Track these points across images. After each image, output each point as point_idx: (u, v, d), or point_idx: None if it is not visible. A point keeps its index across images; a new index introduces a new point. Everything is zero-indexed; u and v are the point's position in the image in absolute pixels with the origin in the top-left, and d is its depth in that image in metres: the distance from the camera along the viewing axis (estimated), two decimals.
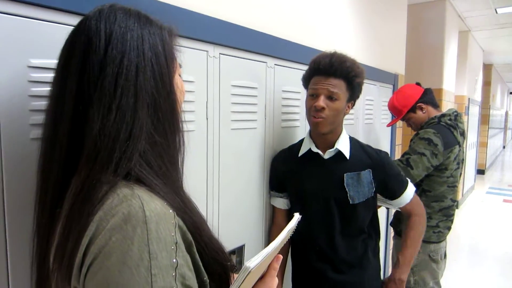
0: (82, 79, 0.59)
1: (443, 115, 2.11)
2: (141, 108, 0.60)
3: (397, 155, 3.16)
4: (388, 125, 2.52)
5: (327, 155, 1.45)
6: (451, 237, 2.66)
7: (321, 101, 1.34)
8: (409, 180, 1.57)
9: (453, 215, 2.15)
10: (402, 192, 1.52)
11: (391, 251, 2.37)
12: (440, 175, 2.04)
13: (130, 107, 0.59)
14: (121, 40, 0.60)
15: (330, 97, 1.35)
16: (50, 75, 0.81)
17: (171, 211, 0.57)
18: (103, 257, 0.51)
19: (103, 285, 0.50)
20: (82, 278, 0.53)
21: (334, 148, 1.43)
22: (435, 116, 2.12)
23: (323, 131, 1.39)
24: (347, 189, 1.42)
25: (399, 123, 3.13)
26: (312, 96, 1.39)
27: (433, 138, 1.98)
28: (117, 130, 0.58)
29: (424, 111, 2.17)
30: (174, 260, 0.54)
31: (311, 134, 1.49)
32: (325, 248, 1.46)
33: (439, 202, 2.07)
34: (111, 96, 0.58)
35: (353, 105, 1.47)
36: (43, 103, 0.81)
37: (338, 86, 1.36)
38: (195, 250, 0.61)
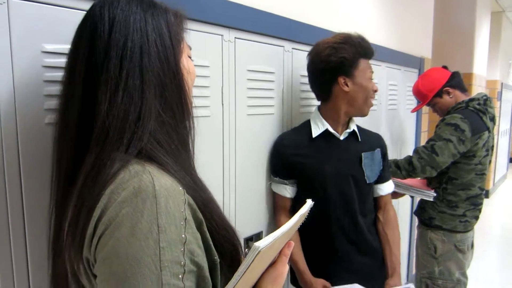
0: (89, 63, 0.61)
1: (472, 100, 2.01)
2: (148, 88, 0.61)
3: (423, 142, 3.07)
4: (412, 111, 2.43)
5: (343, 135, 1.44)
6: (480, 227, 2.57)
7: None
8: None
9: (481, 204, 2.07)
10: (388, 180, 1.56)
11: (415, 241, 2.32)
12: (468, 162, 1.96)
13: (136, 88, 0.61)
14: (124, 24, 0.62)
15: None
16: (63, 60, 0.82)
17: (180, 188, 0.58)
18: (113, 228, 0.53)
19: (113, 254, 0.52)
20: (93, 248, 0.54)
21: (351, 129, 1.44)
22: (463, 101, 2.03)
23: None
24: (364, 169, 1.43)
25: (425, 109, 3.03)
26: (371, 79, 1.41)
27: (460, 124, 1.90)
28: (125, 111, 0.59)
29: (451, 96, 2.08)
30: (183, 236, 0.55)
31: (327, 115, 1.43)
32: (348, 230, 1.45)
33: (466, 190, 2.00)
34: (117, 78, 0.60)
35: None
36: (57, 88, 0.82)
37: None
38: (205, 229, 0.61)
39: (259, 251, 0.56)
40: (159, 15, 0.65)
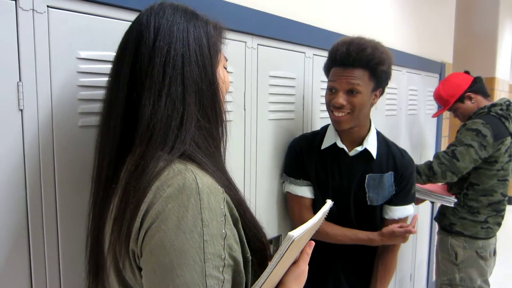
0: (134, 68, 0.65)
1: (494, 105, 1.99)
2: (189, 96, 0.65)
3: (443, 148, 3.03)
4: (433, 116, 2.42)
5: (353, 152, 1.34)
6: (503, 233, 2.52)
7: (340, 98, 1.23)
8: (413, 201, 1.44)
9: (503, 210, 2.04)
10: (403, 204, 1.39)
11: (435, 247, 2.29)
12: (490, 168, 1.93)
13: (178, 95, 0.64)
14: (168, 33, 0.65)
15: (351, 91, 1.23)
16: (96, 66, 0.87)
17: (219, 187, 0.62)
18: (160, 222, 0.56)
19: (160, 246, 0.55)
20: (140, 240, 0.58)
21: (363, 147, 1.33)
22: (485, 106, 2.00)
23: (345, 128, 1.30)
24: (366, 190, 1.34)
25: (446, 114, 3.00)
26: (331, 91, 1.28)
27: (482, 129, 1.88)
28: (168, 116, 0.63)
29: (473, 101, 2.05)
30: (223, 231, 0.58)
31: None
32: (337, 247, 1.38)
33: (488, 196, 1.97)
34: (160, 84, 0.64)
35: (382, 93, 1.34)
36: (90, 93, 0.87)
37: (358, 77, 1.22)
38: (240, 226, 0.65)
39: (293, 240, 0.59)
40: (200, 27, 0.69)
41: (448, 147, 1.96)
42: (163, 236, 0.55)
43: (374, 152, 1.35)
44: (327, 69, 1.33)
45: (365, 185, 1.34)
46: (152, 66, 0.64)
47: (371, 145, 1.35)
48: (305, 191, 1.41)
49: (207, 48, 0.69)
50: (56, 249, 0.84)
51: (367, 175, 1.34)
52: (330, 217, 1.34)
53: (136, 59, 0.65)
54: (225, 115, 0.73)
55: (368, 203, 1.35)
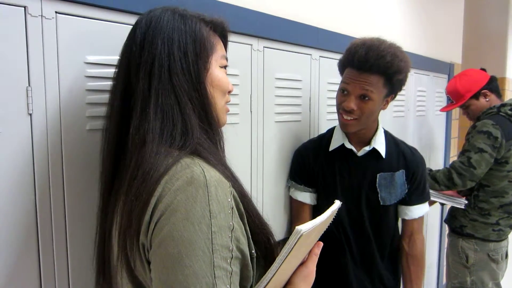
0: (129, 77, 0.69)
1: (503, 105, 1.96)
2: (183, 105, 0.67)
3: (452, 149, 3.00)
4: (442, 110, 2.34)
5: (361, 152, 1.34)
6: None
7: (351, 102, 1.22)
8: (429, 198, 1.44)
9: None
10: (418, 203, 1.38)
11: (445, 250, 2.26)
12: (500, 169, 1.91)
13: (172, 105, 0.67)
14: (151, 45, 0.68)
15: (363, 96, 1.21)
16: (104, 71, 0.88)
17: (226, 181, 0.63)
18: (169, 214, 0.57)
19: (169, 237, 0.56)
20: (150, 233, 0.58)
21: (371, 147, 1.32)
22: (494, 106, 1.98)
23: (351, 131, 1.29)
24: (378, 190, 1.33)
25: (455, 115, 2.97)
26: (343, 92, 1.26)
27: (493, 131, 1.85)
28: (161, 128, 0.66)
29: (487, 99, 2.02)
30: (231, 223, 0.59)
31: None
32: (359, 256, 1.37)
33: (499, 197, 1.94)
34: (147, 96, 0.67)
35: (393, 98, 1.32)
36: (98, 97, 0.88)
37: (373, 84, 1.20)
38: (246, 221, 0.65)
39: (301, 235, 0.58)
40: (187, 31, 0.70)
41: (462, 153, 1.93)
42: (172, 227, 0.56)
43: (383, 151, 1.34)
44: (342, 67, 1.31)
45: (377, 184, 1.33)
46: (137, 79, 0.67)
47: (379, 144, 1.34)
48: (305, 197, 1.42)
49: (193, 53, 0.70)
50: (65, 251, 0.85)
51: (378, 175, 1.33)
52: (342, 224, 1.34)
53: (128, 68, 0.69)
54: (217, 119, 0.74)
55: (381, 203, 1.34)
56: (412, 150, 1.40)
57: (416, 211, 1.38)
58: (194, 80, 0.69)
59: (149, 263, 0.59)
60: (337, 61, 1.34)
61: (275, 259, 0.61)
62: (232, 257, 0.58)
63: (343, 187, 1.35)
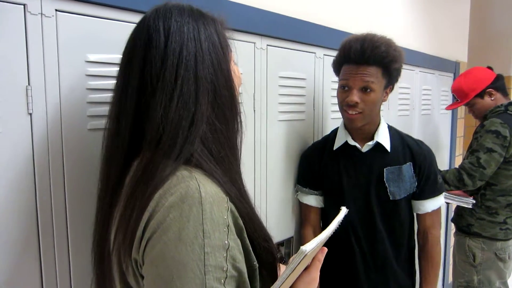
0: (144, 72, 0.63)
1: (511, 103, 1.94)
2: (201, 95, 0.64)
3: (458, 148, 2.97)
4: (447, 108, 2.34)
5: (365, 148, 1.33)
6: None
7: (354, 96, 1.22)
8: (443, 191, 1.42)
9: None
10: (432, 197, 1.36)
11: (451, 249, 2.24)
12: (507, 167, 1.88)
13: (191, 95, 0.63)
14: (178, 33, 0.64)
15: (365, 88, 1.22)
16: (104, 69, 0.87)
17: (224, 195, 0.60)
18: (161, 232, 0.55)
19: (160, 257, 0.54)
20: (142, 250, 0.57)
21: (374, 141, 1.32)
22: (502, 104, 1.96)
23: (358, 126, 1.28)
24: (387, 184, 1.31)
25: (461, 113, 2.94)
26: (344, 89, 1.26)
27: (501, 130, 1.83)
28: (179, 117, 0.61)
29: (492, 98, 2.00)
30: (226, 242, 0.57)
31: (346, 125, 1.37)
32: (370, 253, 1.34)
33: (506, 196, 1.92)
34: (172, 86, 0.62)
35: (392, 90, 1.33)
36: (99, 96, 0.87)
37: (372, 75, 1.21)
38: (245, 235, 0.63)
39: (306, 254, 0.58)
40: (209, 24, 0.68)
41: (471, 153, 1.91)
42: (164, 247, 0.54)
43: (387, 145, 1.33)
44: (338, 66, 1.31)
45: (385, 179, 1.31)
46: (165, 68, 0.62)
47: (382, 138, 1.33)
48: (310, 200, 1.42)
49: (219, 45, 0.68)
50: (66, 252, 0.85)
51: (384, 169, 1.32)
52: (354, 222, 1.32)
53: (146, 63, 0.63)
54: (239, 108, 0.71)
55: (391, 198, 1.32)
56: (418, 143, 1.39)
57: (428, 204, 1.37)
58: (224, 70, 0.67)
59: (142, 277, 0.58)
60: (336, 57, 1.33)
61: (276, 269, 0.60)
62: (226, 277, 0.56)
63: (350, 185, 1.34)
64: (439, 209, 1.40)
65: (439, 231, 1.42)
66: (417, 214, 1.41)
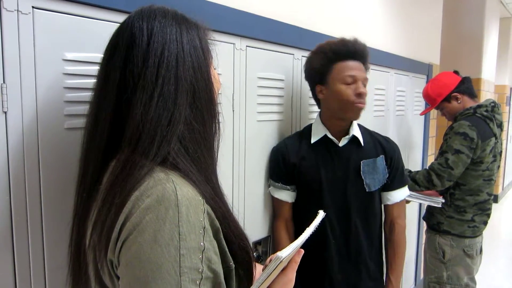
0: (125, 71, 0.64)
1: (479, 106, 2.02)
2: (181, 95, 0.64)
3: (430, 148, 3.07)
4: (421, 114, 2.46)
5: (342, 142, 1.39)
6: (489, 232, 2.56)
7: (364, 88, 1.33)
8: (408, 183, 1.54)
9: (489, 209, 2.07)
10: (400, 187, 1.47)
11: (423, 246, 2.32)
12: (475, 168, 1.96)
13: (171, 95, 0.63)
14: (161, 34, 0.65)
15: (363, 83, 1.34)
16: (82, 68, 0.86)
17: (200, 198, 0.61)
18: (137, 234, 0.55)
19: (135, 259, 0.54)
20: (117, 251, 0.57)
21: (350, 135, 1.39)
22: (471, 107, 2.03)
23: (359, 117, 1.37)
24: (363, 177, 1.38)
25: (433, 114, 3.04)
26: (346, 84, 1.31)
27: (469, 132, 1.91)
28: (158, 116, 0.62)
29: (459, 102, 2.08)
30: (202, 244, 0.57)
31: (325, 120, 1.41)
32: (344, 244, 1.39)
33: (474, 196, 2.00)
34: (153, 85, 0.63)
35: None
36: (77, 95, 0.86)
37: (365, 70, 1.37)
38: (221, 236, 0.64)
39: (281, 261, 0.60)
40: (192, 29, 0.69)
41: (440, 154, 1.99)
42: (139, 248, 0.54)
43: (361, 139, 1.41)
44: (327, 64, 1.34)
45: (361, 172, 1.38)
46: (146, 67, 0.63)
47: (357, 132, 1.41)
48: (282, 195, 1.44)
49: (201, 49, 0.69)
50: (41, 253, 0.83)
51: (361, 162, 1.39)
52: (330, 213, 1.36)
53: (127, 62, 0.64)
54: (218, 112, 0.73)
55: (367, 190, 1.39)
56: (386, 138, 1.50)
57: (396, 195, 1.47)
58: (204, 74, 0.68)
59: (118, 278, 0.58)
60: (320, 59, 1.35)
61: (252, 268, 0.62)
62: (202, 278, 0.57)
63: (328, 178, 1.38)
64: (404, 200, 1.51)
65: (404, 221, 1.52)
66: (385, 205, 1.49)
